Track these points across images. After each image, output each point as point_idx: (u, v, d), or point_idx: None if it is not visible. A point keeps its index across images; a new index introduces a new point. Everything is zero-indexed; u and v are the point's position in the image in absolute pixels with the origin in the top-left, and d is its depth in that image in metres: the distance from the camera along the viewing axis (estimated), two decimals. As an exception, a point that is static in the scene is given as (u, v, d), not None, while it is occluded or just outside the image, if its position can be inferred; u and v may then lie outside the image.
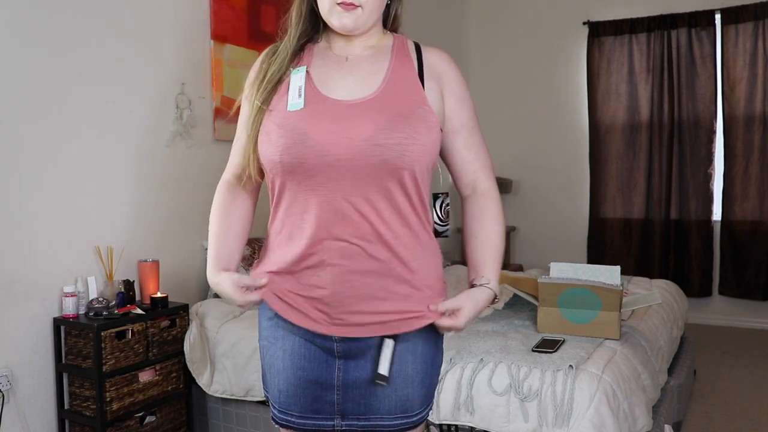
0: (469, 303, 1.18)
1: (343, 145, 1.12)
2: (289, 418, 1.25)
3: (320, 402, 1.23)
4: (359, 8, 1.17)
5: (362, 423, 1.22)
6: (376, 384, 1.19)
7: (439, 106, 1.22)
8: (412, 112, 1.16)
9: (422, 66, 1.23)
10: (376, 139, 1.12)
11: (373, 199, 1.14)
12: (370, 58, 1.23)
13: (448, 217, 1.49)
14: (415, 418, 1.23)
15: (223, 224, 1.28)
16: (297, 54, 1.24)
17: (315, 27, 1.26)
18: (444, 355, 2.05)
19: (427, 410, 1.26)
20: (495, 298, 1.21)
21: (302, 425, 1.24)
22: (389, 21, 1.30)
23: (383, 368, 1.18)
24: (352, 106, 1.16)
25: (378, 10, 1.20)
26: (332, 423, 1.23)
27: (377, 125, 1.13)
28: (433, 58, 1.25)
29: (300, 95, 1.17)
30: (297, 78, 1.20)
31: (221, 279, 1.22)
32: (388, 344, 1.18)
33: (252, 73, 1.28)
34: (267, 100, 1.20)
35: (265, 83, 1.21)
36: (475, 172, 1.26)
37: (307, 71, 1.20)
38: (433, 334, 1.23)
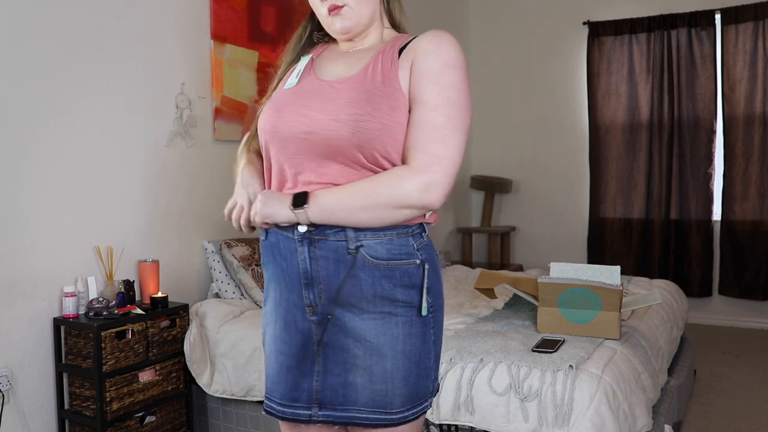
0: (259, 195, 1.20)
1: (308, 118, 1.16)
2: (272, 405, 1.25)
3: (298, 390, 1.21)
4: (345, 7, 1.21)
5: (339, 414, 1.20)
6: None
7: (407, 84, 1.16)
8: (376, 90, 1.15)
9: (406, 47, 1.20)
10: (336, 115, 1.14)
11: (331, 177, 1.16)
12: (368, 51, 1.26)
13: None
14: (394, 416, 1.18)
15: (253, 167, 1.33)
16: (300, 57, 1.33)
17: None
18: (444, 355, 2.07)
19: (412, 411, 1.20)
20: (296, 210, 1.14)
21: (281, 413, 1.23)
22: (387, 17, 1.31)
23: None
24: (328, 85, 1.20)
25: (366, 2, 1.23)
26: (309, 413, 1.21)
27: (339, 102, 1.15)
28: (421, 37, 1.19)
29: (297, 76, 1.25)
30: (301, 63, 1.28)
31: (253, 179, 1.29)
32: None
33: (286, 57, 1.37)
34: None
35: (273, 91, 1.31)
36: (408, 149, 1.14)
37: (312, 59, 1.28)
38: (419, 330, 1.20)
